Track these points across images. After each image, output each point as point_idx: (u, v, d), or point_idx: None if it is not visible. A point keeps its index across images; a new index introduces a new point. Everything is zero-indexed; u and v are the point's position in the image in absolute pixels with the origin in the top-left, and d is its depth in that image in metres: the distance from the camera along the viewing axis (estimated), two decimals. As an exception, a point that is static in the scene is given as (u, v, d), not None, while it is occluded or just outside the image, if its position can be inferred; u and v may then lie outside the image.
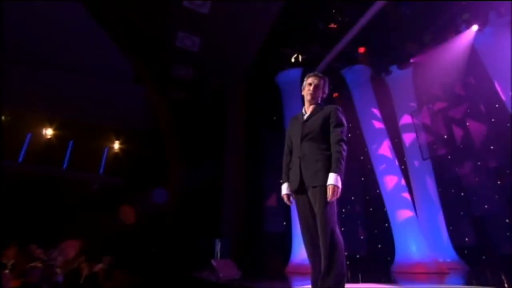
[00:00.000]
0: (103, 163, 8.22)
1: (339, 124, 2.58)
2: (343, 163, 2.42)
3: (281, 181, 2.70)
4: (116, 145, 8.62)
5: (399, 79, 8.58)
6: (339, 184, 2.35)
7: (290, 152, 2.72)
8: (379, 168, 7.99)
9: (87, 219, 6.59)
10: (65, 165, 7.76)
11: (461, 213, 7.73)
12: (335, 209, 2.43)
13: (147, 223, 7.57)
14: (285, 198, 2.66)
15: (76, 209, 7.07)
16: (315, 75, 2.75)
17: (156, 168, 8.16)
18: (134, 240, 7.23)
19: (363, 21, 7.09)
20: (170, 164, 8.21)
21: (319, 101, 2.76)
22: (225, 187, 8.12)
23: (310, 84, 2.73)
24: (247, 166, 8.24)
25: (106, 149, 8.47)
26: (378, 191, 8.13)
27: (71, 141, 7.97)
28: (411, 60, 8.26)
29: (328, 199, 2.34)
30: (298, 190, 2.54)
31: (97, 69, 6.92)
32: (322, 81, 2.75)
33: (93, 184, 7.99)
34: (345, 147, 2.49)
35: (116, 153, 8.62)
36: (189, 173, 8.00)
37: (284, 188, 2.66)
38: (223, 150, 8.31)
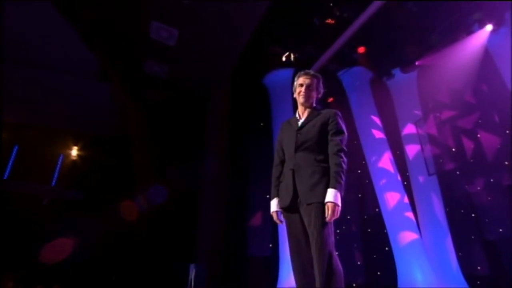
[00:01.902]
0: (56, 173, 7.61)
1: (339, 131, 2.53)
2: (343, 178, 2.37)
3: (270, 196, 2.65)
4: (74, 152, 8.15)
5: (403, 83, 8.58)
6: (339, 202, 2.28)
7: (282, 163, 2.66)
8: (378, 183, 7.93)
9: (34, 240, 6.13)
10: (6, 175, 7.13)
11: (472, 237, 7.52)
12: (332, 230, 2.36)
13: (109, 245, 7.18)
14: (274, 216, 2.59)
15: (21, 228, 6.58)
16: (306, 74, 2.70)
17: (122, 179, 7.83)
18: (92, 265, 6.88)
19: (363, 17, 7.01)
20: (139, 175, 7.85)
21: (314, 104, 2.71)
22: (202, 203, 7.88)
23: (301, 85, 2.67)
24: (229, 178, 8.07)
25: (60, 157, 7.93)
26: (377, 209, 8.07)
27: (16, 147, 7.38)
28: (416, 63, 8.24)
29: (327, 219, 2.25)
30: (290, 207, 2.47)
31: (51, 61, 6.51)
32: (315, 80, 2.69)
33: (43, 198, 7.49)
34: (345, 158, 2.43)
35: (73, 162, 8.14)
36: (161, 185, 7.64)
37: (274, 205, 2.60)
38: (202, 160, 8.10)
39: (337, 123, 2.53)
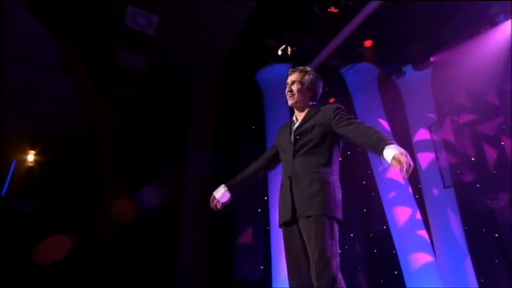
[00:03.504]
0: (7, 181, 7.33)
1: (350, 117, 2.44)
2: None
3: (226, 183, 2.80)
4: (31, 157, 7.76)
5: (415, 82, 8.43)
6: (404, 152, 2.07)
7: (264, 160, 2.80)
8: (387, 197, 7.83)
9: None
10: None
11: (496, 261, 7.46)
12: (337, 249, 2.29)
13: (73, 266, 6.79)
14: (212, 201, 2.80)
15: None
16: (293, 71, 2.68)
17: (88, 189, 7.43)
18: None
19: (371, 6, 6.82)
20: (109, 183, 7.49)
21: (310, 102, 2.65)
22: (183, 217, 7.62)
23: (292, 83, 2.64)
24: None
25: (13, 162, 7.57)
26: (385, 227, 8.01)
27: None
28: (431, 59, 8.12)
29: (403, 174, 2.02)
30: (290, 221, 2.42)
31: (5, 50, 6.13)
32: (305, 76, 2.64)
33: (-10, 212, 7.15)
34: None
35: (30, 168, 7.78)
36: (135, 196, 7.28)
37: (220, 190, 2.80)
38: (182, 168, 7.86)
39: (344, 114, 2.44)
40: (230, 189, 2.78)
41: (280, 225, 2.50)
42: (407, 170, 2.01)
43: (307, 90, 2.62)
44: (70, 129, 7.76)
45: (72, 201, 7.26)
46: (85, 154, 7.63)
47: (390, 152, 2.08)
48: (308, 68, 2.70)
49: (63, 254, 6.79)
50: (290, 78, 2.65)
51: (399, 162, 2.01)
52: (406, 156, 2.03)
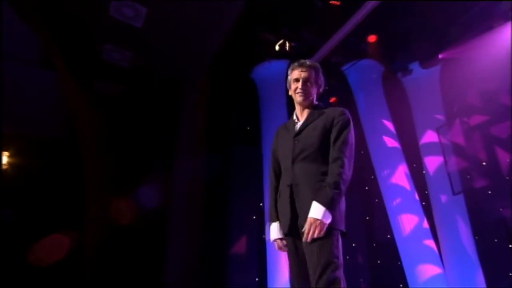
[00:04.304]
0: None
1: (344, 136, 2.50)
2: (341, 192, 2.33)
3: (269, 220, 2.68)
4: (3, 159, 7.64)
5: (422, 81, 8.34)
6: (327, 220, 2.25)
7: (278, 178, 2.67)
8: (391, 203, 7.71)
9: None
10: None
11: (510, 274, 7.19)
12: (342, 263, 2.31)
13: (49, 280, 6.71)
14: (276, 245, 2.62)
15: None
16: (301, 66, 2.66)
17: (68, 195, 7.37)
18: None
19: None
20: (90, 189, 7.42)
21: (315, 101, 2.69)
22: (171, 225, 7.60)
23: (297, 80, 2.64)
24: (206, 195, 7.86)
25: None
26: (389, 236, 7.95)
27: None
28: (440, 56, 8.00)
29: (304, 237, 2.26)
30: (290, 232, 2.47)
31: None
32: (313, 72, 2.66)
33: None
34: (347, 169, 2.40)
35: (3, 172, 7.66)
36: (119, 203, 7.27)
37: (274, 231, 2.61)
38: (171, 172, 7.82)
39: (343, 124, 2.49)
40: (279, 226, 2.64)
41: (284, 234, 2.56)
42: (305, 238, 2.22)
43: (316, 88, 2.67)
44: (48, 129, 7.66)
45: (49, 208, 7.15)
46: (64, 156, 7.53)
47: (315, 209, 2.25)
48: (315, 64, 2.70)
49: (43, 263, 6.72)
50: (302, 75, 2.62)
51: (309, 224, 2.22)
52: (317, 225, 2.20)
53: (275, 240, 2.60)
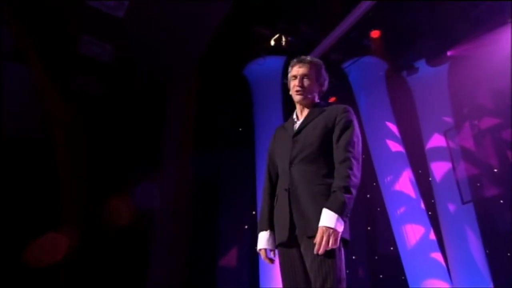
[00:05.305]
0: None
1: (350, 134, 2.44)
2: (352, 197, 2.22)
3: (258, 228, 2.62)
4: None
5: (429, 80, 8.30)
6: (340, 228, 2.17)
7: (273, 183, 2.64)
8: (395, 213, 7.65)
9: None
10: None
11: None
12: (344, 275, 2.24)
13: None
14: (262, 255, 2.54)
15: None
16: (300, 62, 2.63)
17: (41, 202, 7.13)
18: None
19: None
20: (66, 195, 7.24)
21: (317, 99, 2.64)
22: (155, 234, 7.44)
23: (294, 77, 2.61)
24: (193, 202, 7.71)
25: None
26: (392, 248, 7.85)
27: None
28: (448, 53, 7.93)
29: (316, 249, 2.14)
30: (287, 242, 2.37)
31: None
32: (313, 68, 2.61)
33: None
34: (357, 170, 2.30)
35: None
36: (98, 210, 7.15)
37: (262, 240, 2.52)
38: (156, 176, 7.69)
39: (346, 122, 2.44)
40: (271, 229, 2.55)
41: (276, 246, 2.50)
42: (317, 249, 2.12)
43: (318, 86, 2.62)
44: (19, 129, 7.41)
45: (20, 216, 6.88)
46: (36, 160, 7.34)
47: (326, 217, 2.16)
48: (317, 60, 2.67)
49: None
50: (300, 71, 2.60)
51: (321, 234, 2.13)
52: (330, 234, 2.11)
53: (261, 249, 2.55)
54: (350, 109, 2.54)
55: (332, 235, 2.12)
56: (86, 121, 7.79)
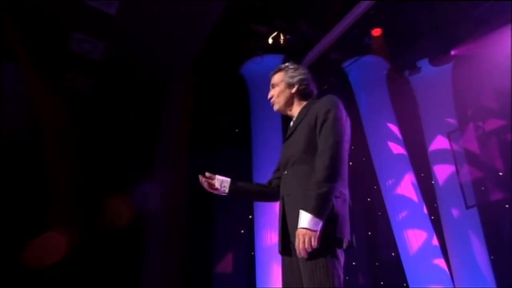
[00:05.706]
0: None
1: (331, 122, 2.35)
2: (330, 195, 2.13)
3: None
4: None
5: (432, 80, 8.29)
6: (316, 227, 2.10)
7: (272, 183, 2.70)
8: (396, 217, 7.66)
9: None
10: None
11: None
12: (341, 280, 2.17)
13: None
14: (201, 178, 2.64)
15: None
16: (274, 72, 2.71)
17: (30, 205, 7.03)
18: None
19: None
20: (56, 198, 7.07)
21: (296, 101, 2.63)
22: (148, 239, 7.43)
23: (272, 86, 2.68)
24: (188, 205, 7.66)
25: None
26: (393, 254, 8.02)
27: None
28: (452, 52, 8.03)
29: (298, 254, 2.14)
30: (286, 251, 2.38)
31: None
32: (279, 75, 2.65)
33: None
34: (339, 163, 2.21)
35: None
36: (90, 213, 7.10)
37: (219, 179, 2.62)
38: (150, 179, 7.60)
39: (326, 112, 2.34)
40: (232, 183, 2.64)
41: (278, 252, 2.52)
42: (299, 253, 2.11)
43: (288, 88, 2.60)
44: (7, 129, 7.28)
45: (7, 221, 6.78)
46: (28, 161, 7.25)
47: (301, 218, 2.12)
48: (286, 64, 2.71)
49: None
50: (271, 82, 2.69)
51: (297, 237, 2.11)
52: (304, 235, 2.08)
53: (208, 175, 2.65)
54: (333, 97, 2.46)
55: (307, 235, 2.07)
56: (79, 120, 7.71)
